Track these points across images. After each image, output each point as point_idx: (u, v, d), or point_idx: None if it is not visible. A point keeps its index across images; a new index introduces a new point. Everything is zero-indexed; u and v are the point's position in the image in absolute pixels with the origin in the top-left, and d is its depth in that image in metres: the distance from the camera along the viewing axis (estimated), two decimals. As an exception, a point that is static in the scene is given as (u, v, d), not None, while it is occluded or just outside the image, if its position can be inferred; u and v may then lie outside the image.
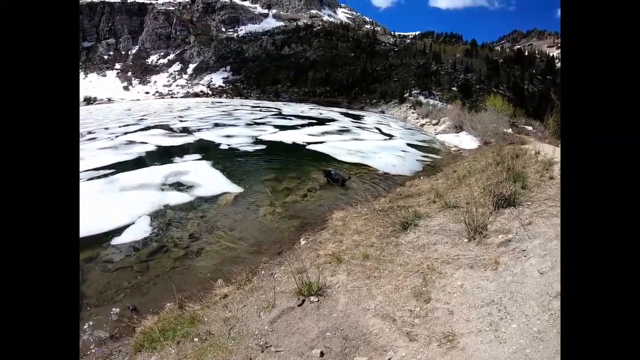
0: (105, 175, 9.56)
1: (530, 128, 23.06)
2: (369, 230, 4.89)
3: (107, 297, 4.43)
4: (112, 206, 7.24)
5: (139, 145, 14.86)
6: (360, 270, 3.69)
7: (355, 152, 13.55)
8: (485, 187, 5.57)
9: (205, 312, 3.56)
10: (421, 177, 9.76)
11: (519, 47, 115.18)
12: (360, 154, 13.33)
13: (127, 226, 6.30)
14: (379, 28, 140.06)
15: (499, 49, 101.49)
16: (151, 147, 14.53)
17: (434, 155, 14.57)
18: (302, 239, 5.46)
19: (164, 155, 13.02)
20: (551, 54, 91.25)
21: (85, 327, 3.90)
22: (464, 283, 3.08)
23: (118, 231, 6.12)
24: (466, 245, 3.83)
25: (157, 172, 9.81)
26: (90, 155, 12.71)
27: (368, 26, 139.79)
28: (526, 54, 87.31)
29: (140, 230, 6.19)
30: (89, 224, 6.25)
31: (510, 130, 19.51)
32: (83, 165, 10.87)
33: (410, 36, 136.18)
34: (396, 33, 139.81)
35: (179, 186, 8.64)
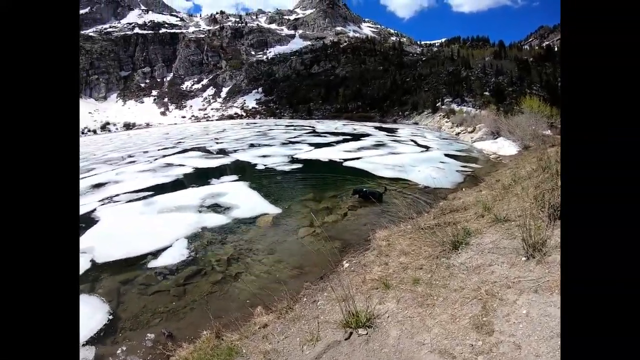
0: (144, 197, 9.81)
1: (569, 127, 21.69)
2: (415, 251, 4.52)
3: (143, 322, 4.37)
4: (151, 228, 7.33)
5: (176, 168, 15.24)
6: (411, 297, 3.35)
7: (393, 167, 13.19)
8: (535, 197, 5.10)
9: (244, 342, 3.34)
10: (463, 189, 9.29)
11: (547, 43, 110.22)
12: (398, 168, 12.95)
13: (165, 248, 6.31)
14: (404, 39, 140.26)
15: (528, 48, 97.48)
16: (189, 169, 14.84)
17: (473, 165, 13.97)
18: (345, 262, 5.13)
19: (201, 177, 13.19)
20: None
21: (119, 352, 3.83)
22: (530, 311, 2.70)
23: (156, 253, 6.14)
24: (525, 265, 3.42)
25: (194, 194, 9.89)
26: (130, 178, 13.21)
27: (394, 38, 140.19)
28: (556, 49, 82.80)
29: (177, 253, 6.15)
30: (127, 246, 6.38)
31: (549, 132, 18.49)
32: (123, 188, 11.35)
33: (436, 44, 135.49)
34: (422, 42, 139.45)
35: (216, 208, 8.64)
